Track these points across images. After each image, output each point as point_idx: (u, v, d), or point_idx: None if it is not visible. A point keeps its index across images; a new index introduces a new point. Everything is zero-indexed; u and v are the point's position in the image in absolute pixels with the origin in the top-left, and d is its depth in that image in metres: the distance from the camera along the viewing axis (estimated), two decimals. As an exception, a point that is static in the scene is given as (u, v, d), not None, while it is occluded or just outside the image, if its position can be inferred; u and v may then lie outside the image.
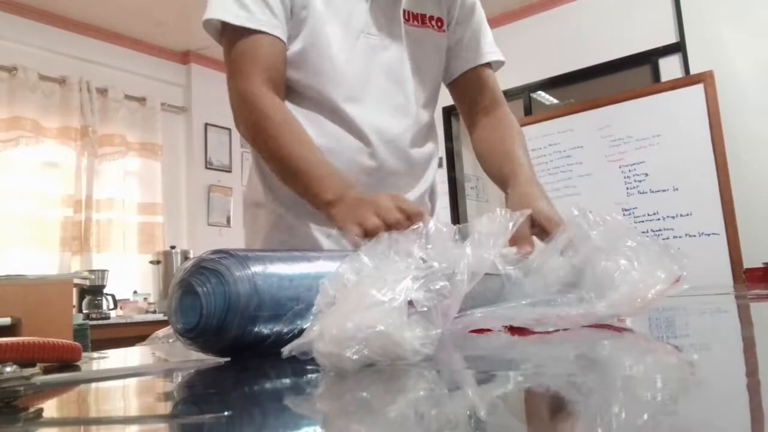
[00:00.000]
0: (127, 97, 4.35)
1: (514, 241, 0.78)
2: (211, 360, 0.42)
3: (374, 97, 1.01)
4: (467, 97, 1.16)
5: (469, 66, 1.13)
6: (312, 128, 0.97)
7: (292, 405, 0.32)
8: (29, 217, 3.76)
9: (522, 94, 4.26)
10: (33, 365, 0.42)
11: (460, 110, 1.19)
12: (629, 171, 3.53)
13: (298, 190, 0.89)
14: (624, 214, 3.44)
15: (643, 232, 0.66)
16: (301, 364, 0.40)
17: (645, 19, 3.72)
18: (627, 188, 3.53)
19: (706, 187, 3.23)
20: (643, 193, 3.47)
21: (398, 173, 1.04)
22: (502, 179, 1.04)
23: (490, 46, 1.15)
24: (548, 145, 3.82)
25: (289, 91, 1.01)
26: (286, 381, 0.39)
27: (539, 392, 0.30)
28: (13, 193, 3.70)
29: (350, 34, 1.00)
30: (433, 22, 1.09)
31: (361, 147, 0.99)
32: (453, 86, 1.17)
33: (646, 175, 3.47)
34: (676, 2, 3.60)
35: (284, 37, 0.96)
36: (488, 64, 1.14)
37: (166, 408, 0.34)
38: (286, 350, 0.39)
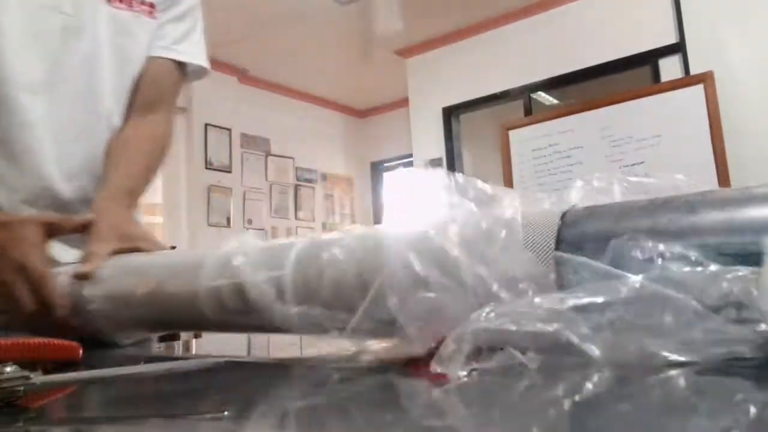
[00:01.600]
0: (127, 97, 4.35)
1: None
2: (210, 360, 0.42)
3: (63, 94, 0.83)
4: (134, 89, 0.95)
5: (151, 53, 0.93)
6: None
7: (291, 406, 0.32)
8: (29, 218, 3.76)
9: (522, 95, 4.26)
10: (33, 365, 0.42)
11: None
12: (629, 171, 3.53)
13: None
14: (624, 215, 3.44)
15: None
16: (299, 365, 0.40)
17: (645, 19, 3.72)
18: (627, 188, 3.54)
19: (706, 188, 3.23)
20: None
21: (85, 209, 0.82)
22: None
23: (188, 46, 0.98)
24: (548, 146, 3.82)
25: None
26: (290, 380, 0.39)
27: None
28: (13, 194, 3.70)
29: (36, 10, 0.82)
30: (144, 6, 0.92)
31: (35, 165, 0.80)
32: None
33: (646, 175, 3.47)
34: (676, 2, 3.60)
35: None
36: (175, 62, 0.97)
37: (166, 407, 0.34)
38: None
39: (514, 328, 0.32)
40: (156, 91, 0.96)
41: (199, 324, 0.55)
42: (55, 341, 0.40)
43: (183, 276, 0.53)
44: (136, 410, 0.34)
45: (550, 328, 0.31)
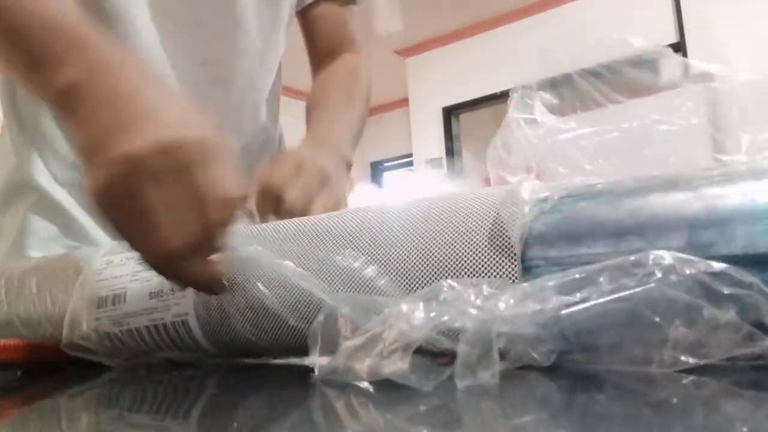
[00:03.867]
0: (127, 97, 4.34)
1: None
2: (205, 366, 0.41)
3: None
4: (306, 39, 0.87)
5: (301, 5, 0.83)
6: None
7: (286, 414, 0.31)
8: (28, 217, 3.75)
9: (522, 95, 4.25)
10: (20, 367, 0.42)
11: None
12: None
13: (17, 65, 0.43)
14: (624, 215, 3.43)
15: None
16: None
17: (645, 19, 3.72)
18: (627, 189, 3.53)
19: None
20: (643, 193, 3.47)
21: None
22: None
23: None
24: (548, 146, 3.82)
25: None
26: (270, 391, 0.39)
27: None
28: (13, 193, 3.70)
29: None
30: None
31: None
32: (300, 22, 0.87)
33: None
34: (676, 2, 3.60)
35: None
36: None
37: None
38: None
39: (538, 307, 0.27)
40: (326, 35, 0.86)
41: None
42: (40, 343, 0.40)
43: None
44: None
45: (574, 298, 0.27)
